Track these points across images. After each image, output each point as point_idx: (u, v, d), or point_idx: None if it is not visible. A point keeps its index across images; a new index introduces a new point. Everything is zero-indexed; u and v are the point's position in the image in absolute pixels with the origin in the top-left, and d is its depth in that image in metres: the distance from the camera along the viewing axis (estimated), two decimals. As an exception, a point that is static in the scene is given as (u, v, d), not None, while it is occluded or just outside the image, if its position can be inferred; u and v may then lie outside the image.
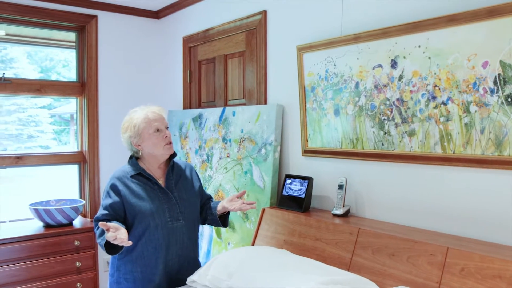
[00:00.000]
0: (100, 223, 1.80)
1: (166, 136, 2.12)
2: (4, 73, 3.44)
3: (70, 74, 3.89)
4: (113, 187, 2.07)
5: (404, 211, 2.11)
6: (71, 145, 3.93)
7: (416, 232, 1.95)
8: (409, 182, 2.09)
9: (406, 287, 1.72)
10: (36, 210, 3.17)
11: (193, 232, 2.20)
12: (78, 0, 3.63)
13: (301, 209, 2.43)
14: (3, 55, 3.63)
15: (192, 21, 3.64)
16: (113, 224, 1.85)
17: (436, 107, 1.91)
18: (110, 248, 1.94)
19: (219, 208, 2.23)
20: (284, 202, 2.55)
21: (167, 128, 2.16)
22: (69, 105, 3.92)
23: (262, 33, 2.90)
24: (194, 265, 2.21)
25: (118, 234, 1.79)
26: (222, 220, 2.28)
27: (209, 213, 2.28)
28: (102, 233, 1.93)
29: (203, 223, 2.35)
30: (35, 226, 3.25)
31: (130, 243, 1.79)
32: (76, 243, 3.20)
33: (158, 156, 2.14)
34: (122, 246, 1.94)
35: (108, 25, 3.84)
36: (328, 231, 2.17)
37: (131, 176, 2.10)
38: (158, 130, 2.11)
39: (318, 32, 2.49)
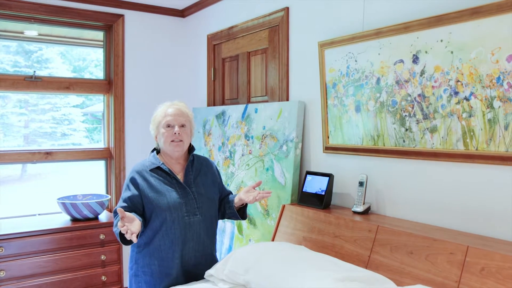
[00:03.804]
0: (118, 208, 1.82)
1: (174, 133, 2.11)
2: (35, 71, 3.55)
3: (101, 73, 3.98)
4: (133, 180, 2.11)
5: (425, 209, 2.06)
6: (102, 143, 4.02)
7: (436, 230, 1.90)
8: (430, 180, 2.04)
9: (424, 286, 1.68)
10: (64, 204, 3.26)
11: (210, 228, 2.21)
12: (106, 0, 3.72)
13: (321, 206, 2.41)
14: (38, 55, 3.75)
15: (216, 19, 3.66)
16: (129, 214, 1.88)
17: (458, 102, 1.87)
18: (124, 237, 1.92)
19: (236, 200, 2.23)
20: (305, 198, 2.54)
21: (182, 126, 2.14)
22: (101, 104, 4.01)
23: (284, 29, 2.89)
24: (211, 260, 2.21)
25: (129, 225, 1.81)
26: (241, 213, 2.29)
27: (227, 206, 2.29)
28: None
29: (223, 218, 2.35)
30: (62, 220, 3.35)
31: (135, 240, 1.80)
32: (102, 237, 3.27)
33: (168, 151, 2.16)
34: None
35: (135, 24, 3.91)
36: (347, 228, 2.15)
37: (151, 170, 2.13)
38: (168, 126, 2.12)
39: (340, 27, 2.46)
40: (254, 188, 2.20)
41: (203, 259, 2.17)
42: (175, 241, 2.08)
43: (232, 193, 2.42)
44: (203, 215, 2.16)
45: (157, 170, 2.14)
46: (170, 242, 2.08)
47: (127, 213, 1.88)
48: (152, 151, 2.24)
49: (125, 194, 2.09)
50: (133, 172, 2.14)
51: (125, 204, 2.05)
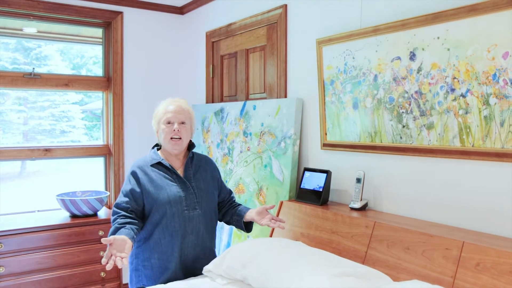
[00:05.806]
0: (102, 239, 1.78)
1: (173, 130, 2.13)
2: (33, 68, 3.56)
3: (100, 70, 3.98)
4: (134, 174, 2.14)
5: (421, 205, 2.08)
6: (101, 140, 4.02)
7: (433, 226, 1.92)
8: (427, 176, 2.05)
9: (420, 281, 1.69)
10: (63, 201, 3.27)
11: (209, 223, 2.23)
12: (104, -3, 3.73)
13: (319, 203, 2.43)
14: (37, 53, 3.75)
15: (215, 16, 3.67)
16: (120, 237, 1.85)
17: (455, 99, 1.88)
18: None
19: (247, 217, 2.24)
20: (303, 195, 2.55)
21: (182, 123, 2.16)
22: (100, 101, 4.01)
23: (282, 27, 2.90)
24: (210, 255, 2.24)
25: (118, 253, 1.78)
26: (246, 225, 2.30)
27: (234, 218, 2.31)
28: (115, 230, 1.94)
29: (228, 224, 2.37)
30: (61, 216, 3.36)
31: (126, 263, 1.78)
32: (100, 233, 3.28)
33: (166, 148, 2.18)
34: None
35: (133, 21, 3.92)
36: (344, 224, 2.16)
37: (151, 165, 2.16)
38: (169, 123, 2.15)
39: (338, 25, 2.47)
40: (267, 210, 2.20)
41: (202, 253, 2.20)
42: (175, 234, 2.10)
43: (232, 192, 2.44)
44: (203, 210, 2.18)
45: (158, 165, 2.18)
46: (170, 235, 2.10)
47: (117, 237, 1.84)
48: (153, 147, 2.27)
49: (126, 187, 2.12)
50: (134, 166, 2.17)
51: (126, 199, 2.08)
